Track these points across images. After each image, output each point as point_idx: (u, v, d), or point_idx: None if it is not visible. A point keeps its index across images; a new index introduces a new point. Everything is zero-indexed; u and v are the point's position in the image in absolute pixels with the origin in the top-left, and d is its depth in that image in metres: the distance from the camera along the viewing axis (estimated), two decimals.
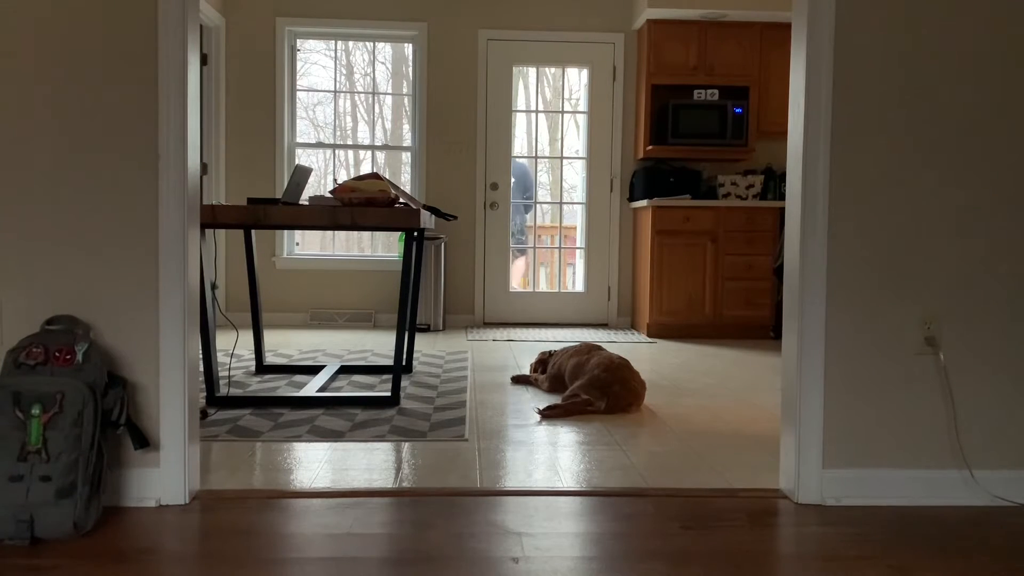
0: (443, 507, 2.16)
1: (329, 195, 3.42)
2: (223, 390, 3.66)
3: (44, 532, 1.89)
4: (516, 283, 6.57)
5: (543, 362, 4.00)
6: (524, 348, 5.21)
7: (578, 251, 6.55)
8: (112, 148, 2.11)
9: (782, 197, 6.13)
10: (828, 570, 1.81)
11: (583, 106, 6.47)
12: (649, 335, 5.78)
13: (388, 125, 6.62)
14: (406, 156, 6.49)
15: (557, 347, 5.26)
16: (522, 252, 6.64)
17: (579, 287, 6.50)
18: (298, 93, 6.39)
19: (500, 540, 1.94)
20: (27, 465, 1.89)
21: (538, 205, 6.69)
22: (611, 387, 3.34)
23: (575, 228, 6.67)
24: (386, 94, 6.55)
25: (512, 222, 6.43)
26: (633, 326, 6.33)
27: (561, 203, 6.64)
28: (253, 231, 4.08)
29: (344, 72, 6.75)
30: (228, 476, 2.42)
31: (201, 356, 3.48)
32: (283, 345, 5.17)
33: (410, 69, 6.38)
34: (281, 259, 6.26)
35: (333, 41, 6.42)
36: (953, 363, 2.27)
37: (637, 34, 6.28)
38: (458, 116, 6.28)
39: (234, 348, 4.14)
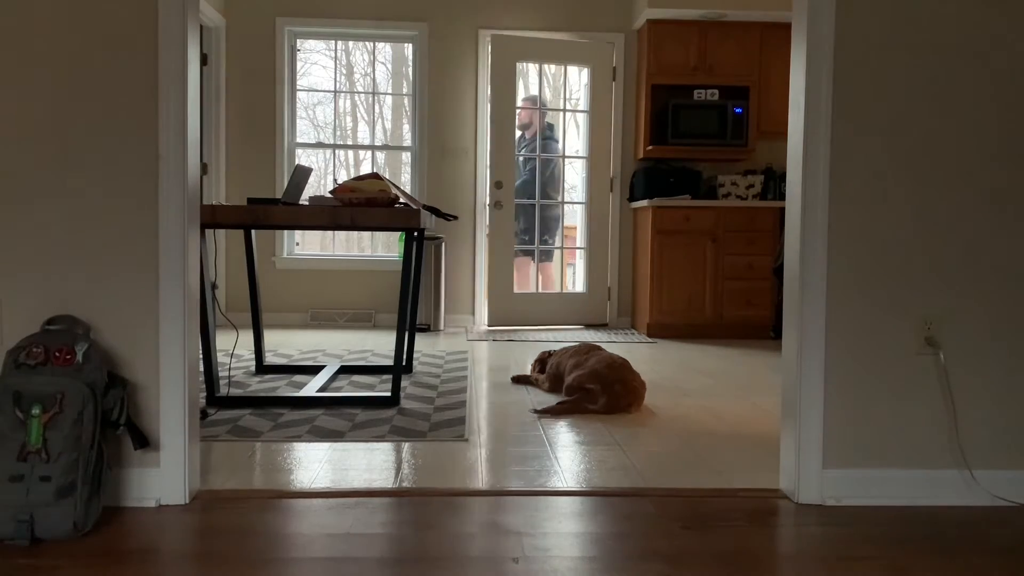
0: (443, 507, 2.16)
1: (329, 195, 3.42)
2: (223, 390, 3.66)
3: (44, 532, 1.89)
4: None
5: (543, 362, 4.00)
6: (524, 348, 5.20)
7: (578, 251, 6.54)
8: (112, 148, 2.11)
9: (782, 197, 6.13)
10: (828, 570, 1.81)
11: (583, 106, 6.46)
12: (649, 335, 5.78)
13: (388, 125, 6.63)
14: (406, 156, 6.50)
15: (557, 347, 5.26)
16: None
17: (579, 287, 6.49)
18: (298, 93, 6.38)
19: (500, 540, 1.94)
20: (27, 465, 1.89)
21: (537, 205, 6.67)
22: (612, 386, 3.34)
23: (575, 228, 6.66)
24: (386, 94, 6.56)
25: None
26: (633, 326, 6.33)
27: (563, 203, 6.62)
28: (253, 231, 4.08)
29: (344, 72, 6.76)
30: (228, 476, 2.42)
31: (201, 356, 3.48)
32: (283, 345, 5.17)
33: (410, 69, 6.38)
34: (281, 259, 6.26)
35: (333, 41, 6.42)
36: (953, 363, 2.27)
37: (637, 34, 6.28)
38: (458, 116, 6.28)
39: (234, 348, 4.14)
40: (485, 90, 6.29)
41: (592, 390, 3.34)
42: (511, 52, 6.04)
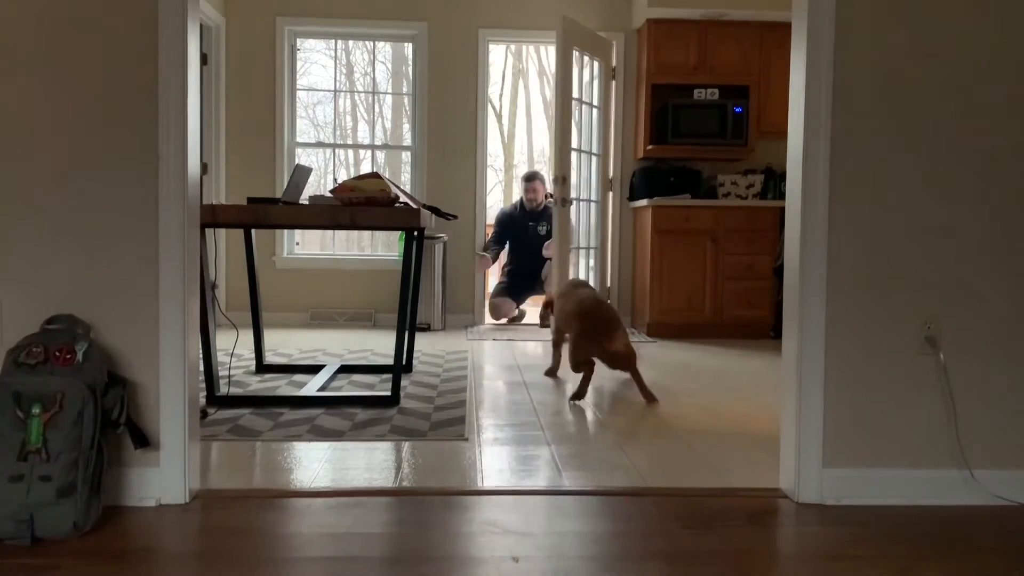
0: (443, 507, 2.16)
1: (329, 194, 3.42)
2: (223, 389, 3.66)
3: (44, 532, 1.89)
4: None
5: (550, 305, 4.31)
6: (525, 348, 5.21)
7: (584, 251, 6.47)
8: (112, 148, 2.11)
9: (782, 197, 6.12)
10: (828, 570, 1.81)
11: (595, 102, 6.32)
12: (649, 335, 5.78)
13: (388, 125, 6.63)
14: (406, 156, 6.49)
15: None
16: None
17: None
18: (298, 93, 6.38)
19: (500, 540, 1.94)
20: (27, 465, 1.89)
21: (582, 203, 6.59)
22: (600, 338, 3.60)
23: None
24: (386, 94, 6.56)
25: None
26: (633, 326, 6.32)
27: (587, 201, 6.56)
28: (253, 231, 4.08)
29: (344, 72, 6.76)
30: (228, 476, 2.42)
31: (201, 355, 3.48)
32: (283, 345, 5.17)
33: (410, 69, 6.38)
34: (281, 259, 6.26)
35: (333, 41, 6.43)
36: (953, 363, 2.27)
37: (637, 34, 6.28)
38: (458, 116, 6.27)
39: (234, 348, 4.14)
40: (485, 89, 6.28)
41: (589, 358, 3.63)
42: (571, 38, 5.61)
